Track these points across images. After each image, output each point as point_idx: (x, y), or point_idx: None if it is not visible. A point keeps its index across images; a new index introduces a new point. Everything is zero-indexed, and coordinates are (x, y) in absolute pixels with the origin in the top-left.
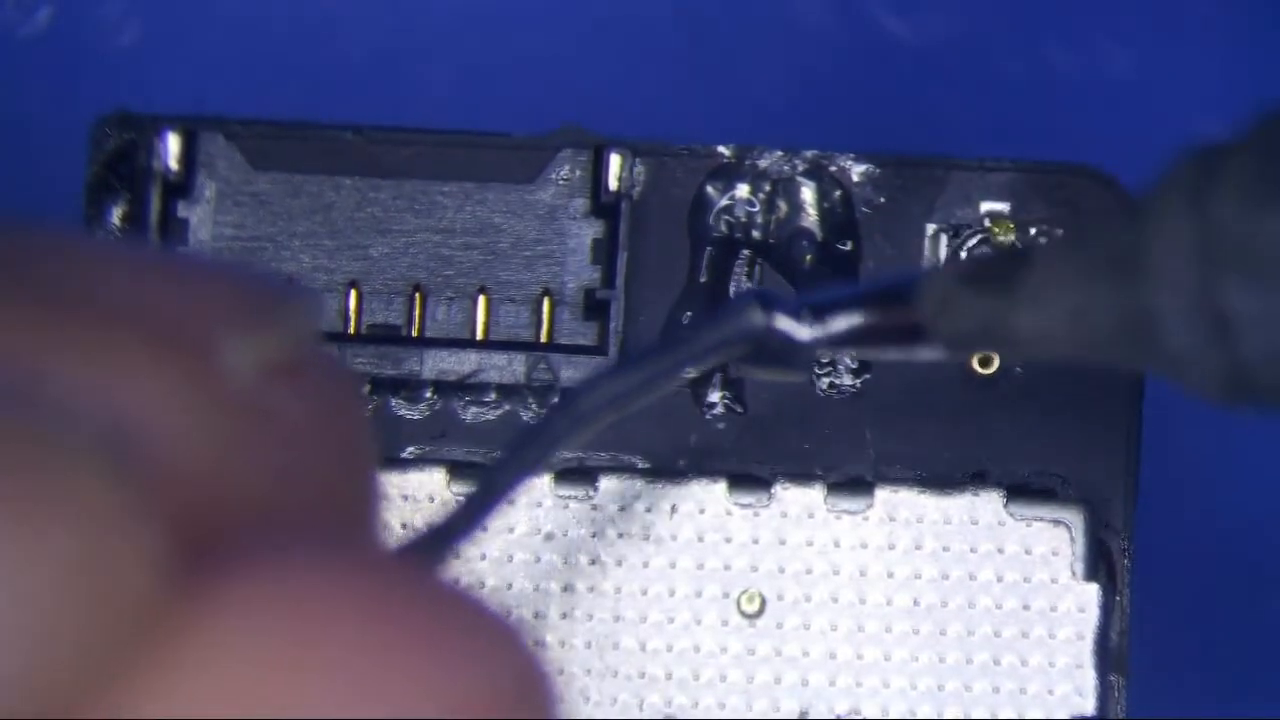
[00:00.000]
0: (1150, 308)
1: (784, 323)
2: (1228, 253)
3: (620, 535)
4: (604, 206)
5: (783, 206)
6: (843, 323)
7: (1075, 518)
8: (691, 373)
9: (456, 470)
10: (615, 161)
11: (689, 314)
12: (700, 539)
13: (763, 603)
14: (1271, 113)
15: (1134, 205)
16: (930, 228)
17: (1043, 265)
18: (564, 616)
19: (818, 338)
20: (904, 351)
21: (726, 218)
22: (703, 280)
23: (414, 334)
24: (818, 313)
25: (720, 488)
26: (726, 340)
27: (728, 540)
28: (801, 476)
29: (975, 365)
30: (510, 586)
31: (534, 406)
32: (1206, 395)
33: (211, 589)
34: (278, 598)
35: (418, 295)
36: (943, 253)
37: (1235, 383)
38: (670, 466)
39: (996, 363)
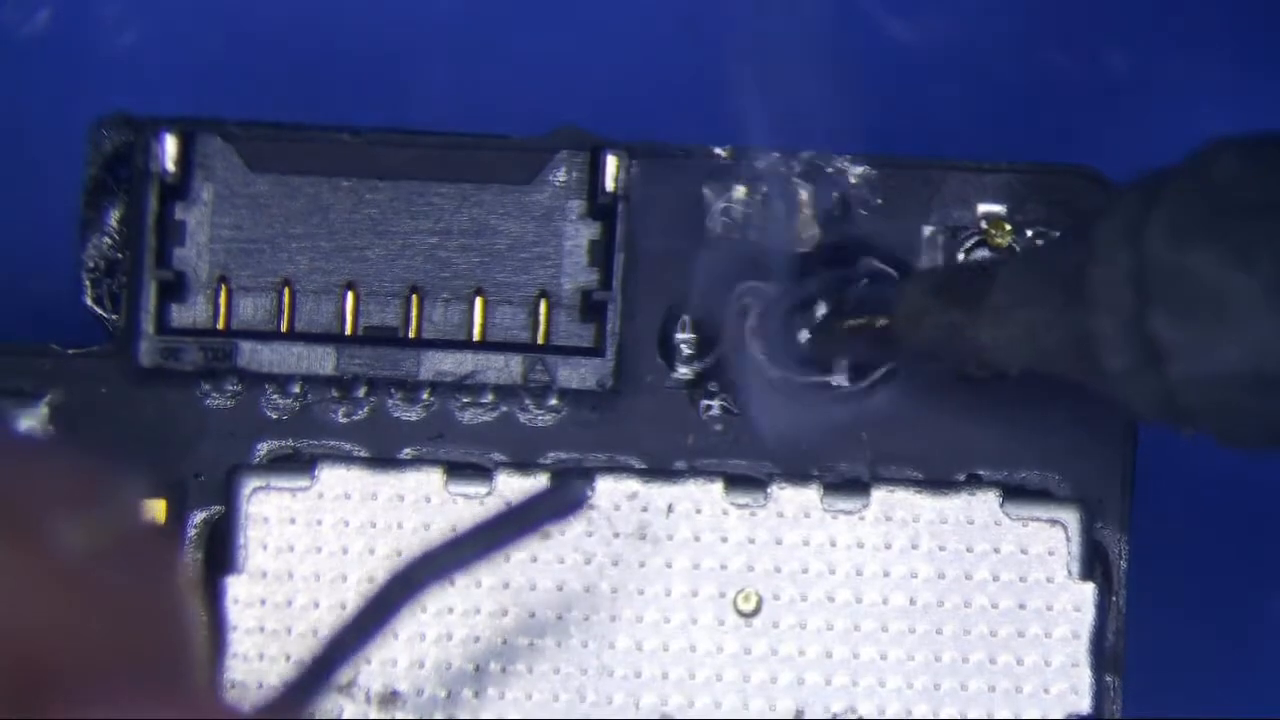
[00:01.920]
0: (1092, 330)
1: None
2: (1157, 284)
3: (617, 535)
4: (601, 208)
5: (780, 208)
6: (828, 327)
7: (1071, 517)
8: (523, 543)
9: (454, 471)
10: (612, 163)
11: (684, 317)
12: (697, 539)
13: (759, 602)
14: (1205, 148)
15: (1085, 230)
16: (927, 229)
17: (1004, 283)
18: (559, 617)
19: (807, 340)
20: (881, 357)
21: (723, 219)
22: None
23: (411, 335)
24: (804, 315)
25: (717, 488)
26: (552, 516)
27: (724, 540)
28: (798, 476)
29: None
30: (507, 586)
31: (531, 407)
32: (1143, 414)
33: None
34: None
35: (415, 297)
36: (939, 255)
37: (1167, 404)
38: (667, 467)
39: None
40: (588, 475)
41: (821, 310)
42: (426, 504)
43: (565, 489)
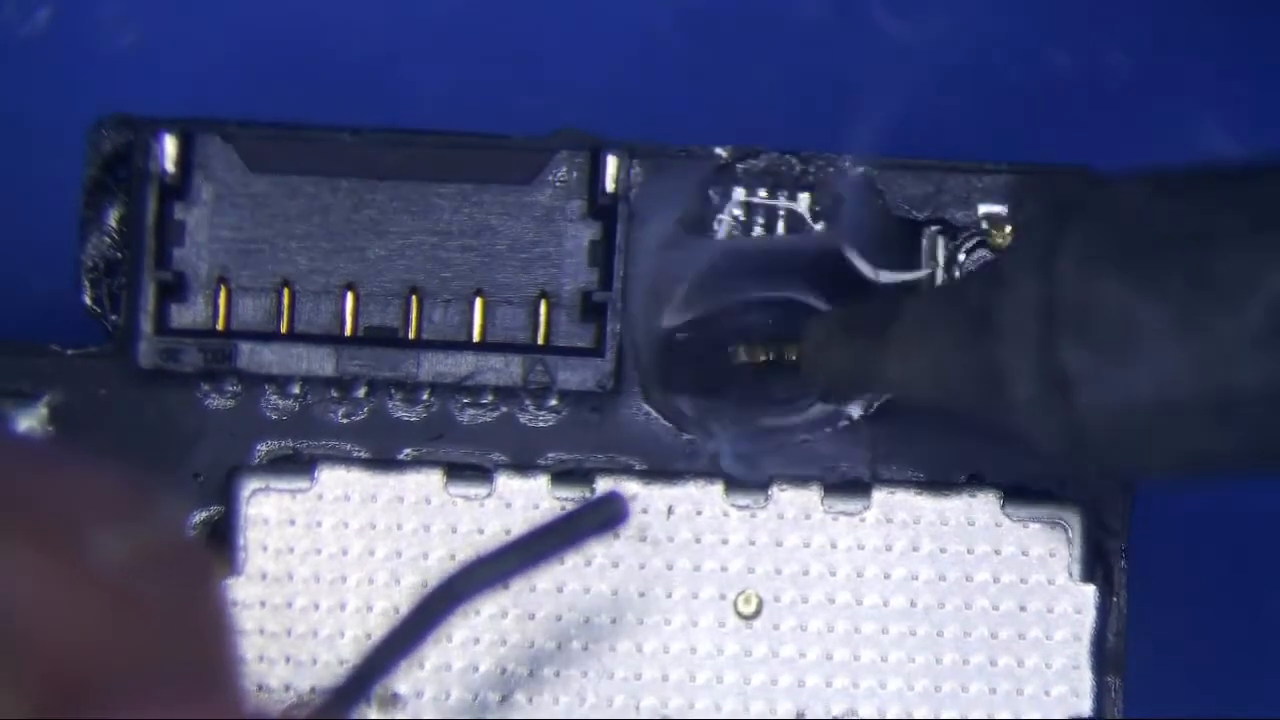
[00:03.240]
0: (999, 363)
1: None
2: (1065, 313)
3: (616, 537)
4: (601, 208)
5: (780, 208)
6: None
7: (1072, 519)
8: (563, 557)
9: (454, 472)
10: (612, 163)
11: (684, 318)
12: (697, 540)
13: (760, 604)
14: (1114, 178)
15: (990, 266)
16: (928, 230)
17: (910, 315)
18: (559, 619)
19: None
20: (789, 391)
21: (724, 219)
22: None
23: (411, 336)
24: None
25: (717, 489)
26: (595, 530)
27: (725, 542)
28: (798, 478)
29: None
30: (506, 588)
31: (531, 408)
32: (1049, 449)
33: None
34: None
35: (414, 297)
36: (940, 255)
37: (1073, 436)
38: (667, 468)
39: None
40: (589, 477)
41: (731, 344)
42: (426, 505)
43: (607, 504)
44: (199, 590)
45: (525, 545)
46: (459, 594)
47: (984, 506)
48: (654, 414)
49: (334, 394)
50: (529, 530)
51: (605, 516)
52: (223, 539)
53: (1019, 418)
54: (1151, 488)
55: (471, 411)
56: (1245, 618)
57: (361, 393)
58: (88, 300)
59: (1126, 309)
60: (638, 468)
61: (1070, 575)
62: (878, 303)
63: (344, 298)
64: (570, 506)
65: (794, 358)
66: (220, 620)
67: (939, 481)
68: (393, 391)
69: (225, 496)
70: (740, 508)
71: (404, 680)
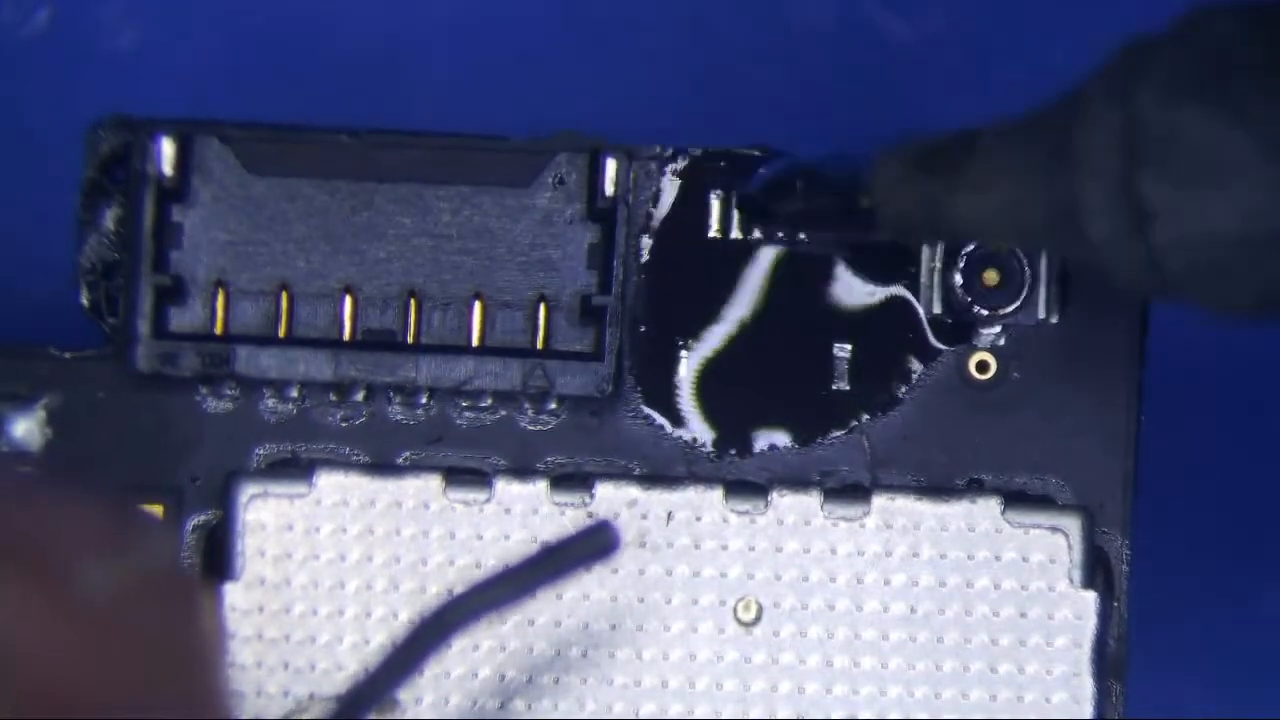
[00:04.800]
0: (1077, 196)
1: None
2: (1147, 144)
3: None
4: (600, 211)
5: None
6: (794, 205)
7: (1073, 524)
8: (554, 587)
9: (452, 477)
10: (611, 165)
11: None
12: (697, 546)
13: (759, 611)
14: (1196, 11)
15: (1068, 96)
16: None
17: (984, 151)
18: (558, 625)
19: (772, 221)
20: (852, 234)
21: (723, 221)
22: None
23: (409, 340)
24: (772, 196)
25: (717, 494)
26: (587, 559)
27: (724, 548)
28: (798, 483)
29: (973, 371)
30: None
31: (530, 412)
32: (1126, 284)
33: None
34: None
35: (413, 300)
36: (939, 258)
37: (1152, 273)
38: (666, 473)
39: (994, 369)
40: (588, 481)
41: (798, 188)
42: (425, 511)
43: (598, 533)
44: (185, 620)
45: (516, 575)
46: (450, 624)
47: (984, 512)
48: (655, 417)
49: (332, 398)
50: (520, 560)
51: (597, 546)
52: (220, 544)
53: (1094, 252)
54: (1153, 491)
55: (470, 415)
56: (1247, 622)
57: (360, 396)
58: (85, 302)
59: (1210, 139)
60: (637, 472)
61: (1071, 581)
62: (950, 137)
63: (342, 301)
64: (568, 513)
65: (859, 199)
66: (207, 650)
67: (939, 487)
68: (391, 395)
69: (223, 501)
70: (740, 513)
71: (403, 687)
